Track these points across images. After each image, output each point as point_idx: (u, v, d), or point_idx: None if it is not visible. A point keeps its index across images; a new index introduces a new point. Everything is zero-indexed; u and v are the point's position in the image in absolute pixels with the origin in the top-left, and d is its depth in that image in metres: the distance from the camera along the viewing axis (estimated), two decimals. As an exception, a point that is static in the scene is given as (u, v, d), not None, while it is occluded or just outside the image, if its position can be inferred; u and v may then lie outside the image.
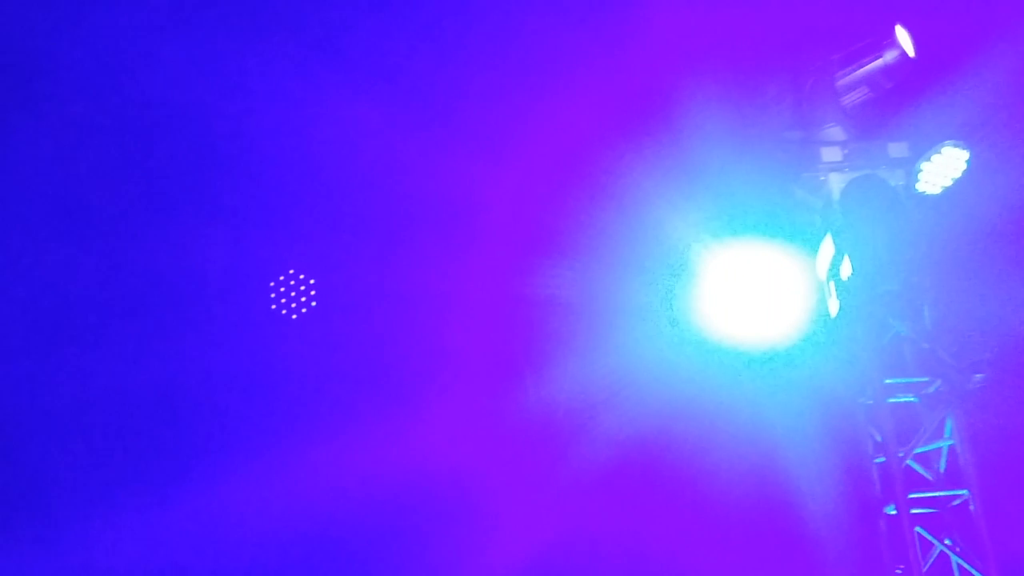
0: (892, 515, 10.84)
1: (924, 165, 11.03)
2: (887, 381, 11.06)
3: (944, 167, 11.02)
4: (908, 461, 10.98)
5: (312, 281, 11.88)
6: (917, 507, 10.90)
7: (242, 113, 11.47)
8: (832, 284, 11.02)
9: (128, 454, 11.81)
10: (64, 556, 11.45)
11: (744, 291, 11.12)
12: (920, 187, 11.06)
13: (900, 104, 11.25)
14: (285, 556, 11.70)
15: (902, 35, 11.16)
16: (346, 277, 11.68)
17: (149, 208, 11.72)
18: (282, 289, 11.98)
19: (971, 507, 10.86)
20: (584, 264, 11.48)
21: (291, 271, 11.97)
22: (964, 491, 10.91)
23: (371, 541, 11.75)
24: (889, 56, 11.15)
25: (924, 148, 11.04)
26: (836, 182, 11.12)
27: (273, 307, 11.95)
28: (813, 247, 11.16)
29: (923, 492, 10.97)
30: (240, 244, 11.81)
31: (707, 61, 11.08)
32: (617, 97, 11.25)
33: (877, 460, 10.98)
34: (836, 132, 11.20)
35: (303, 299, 11.92)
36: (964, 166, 11.00)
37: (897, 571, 10.82)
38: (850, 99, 11.27)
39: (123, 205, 11.68)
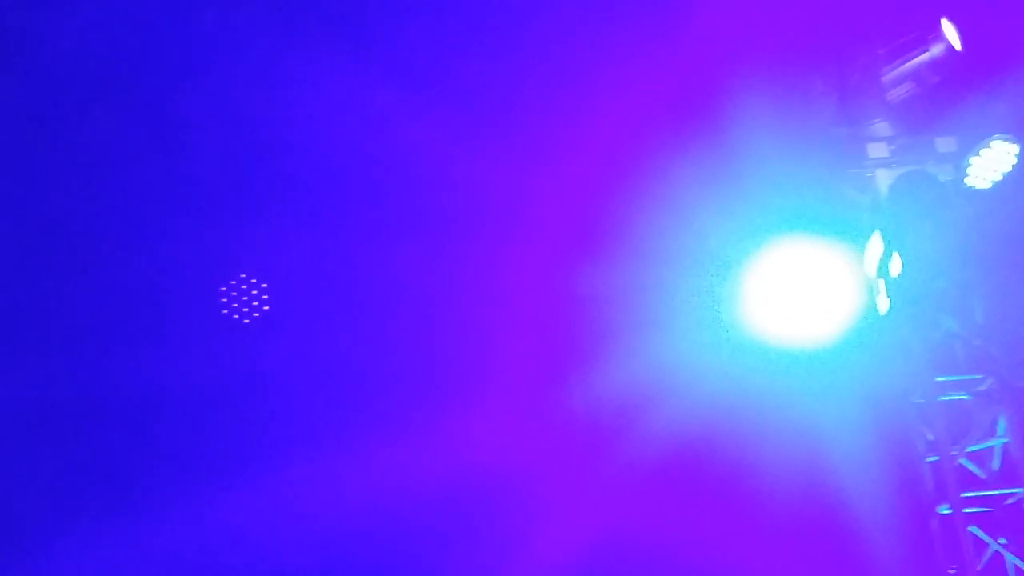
0: (945, 514, 10.71)
1: (973, 159, 10.88)
2: (938, 379, 10.94)
3: (993, 161, 10.87)
4: (961, 460, 10.86)
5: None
6: (970, 506, 10.77)
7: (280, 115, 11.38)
8: (881, 282, 10.89)
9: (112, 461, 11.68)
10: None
11: (791, 289, 11.00)
12: (969, 182, 10.92)
13: (947, 98, 11.12)
14: (322, 559, 11.62)
15: (948, 29, 11.05)
16: (391, 277, 11.59)
17: (109, 211, 11.56)
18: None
19: (1025, 505, 10.77)
20: (629, 262, 11.37)
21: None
22: (1018, 489, 10.77)
23: (413, 541, 11.66)
24: (935, 50, 11.04)
25: (972, 142, 10.89)
26: (883, 178, 10.98)
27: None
28: (861, 244, 11.04)
29: (976, 491, 10.83)
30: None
31: (752, 57, 10.98)
32: (661, 93, 11.14)
33: (929, 459, 10.86)
34: (883, 128, 11.07)
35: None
36: (1014, 160, 10.86)
37: (951, 571, 10.69)
38: (896, 94, 11.16)
39: (78, 208, 11.52)
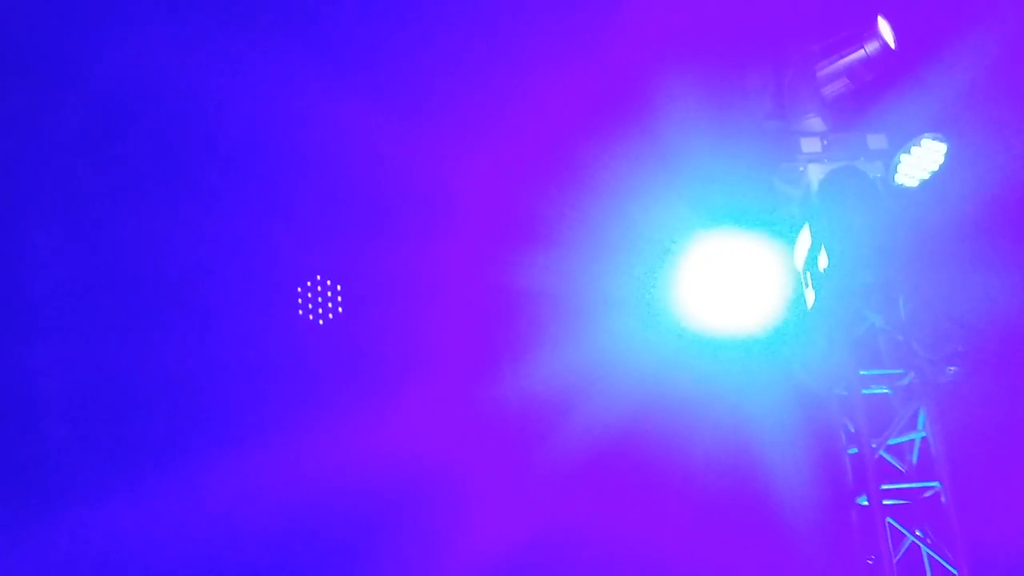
0: (864, 506, 10.89)
1: (902, 157, 11.01)
2: (861, 372, 11.09)
3: (922, 159, 11.01)
4: (881, 452, 11.02)
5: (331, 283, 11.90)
6: (889, 498, 10.93)
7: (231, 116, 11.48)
8: (809, 275, 11.05)
9: (122, 450, 11.84)
10: (71, 545, 11.47)
11: (722, 281, 11.15)
12: (898, 179, 11.05)
13: (880, 96, 11.27)
14: (266, 548, 11.70)
15: (883, 27, 11.18)
16: (328, 270, 11.67)
17: (165, 216, 11.75)
18: (308, 294, 12.04)
19: (942, 499, 10.91)
20: (563, 254, 11.47)
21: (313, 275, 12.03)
22: (935, 483, 10.95)
23: (350, 533, 11.75)
24: (870, 48, 11.18)
25: (903, 140, 11.04)
26: (815, 173, 11.13)
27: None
28: (791, 237, 11.18)
29: (895, 483, 11.00)
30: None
31: (688, 51, 11.08)
32: (598, 86, 11.25)
33: (850, 451, 11.02)
34: (816, 123, 11.21)
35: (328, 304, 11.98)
36: (942, 159, 10.99)
37: (868, 561, 10.86)
38: (830, 90, 11.29)
39: (149, 212, 11.69)
